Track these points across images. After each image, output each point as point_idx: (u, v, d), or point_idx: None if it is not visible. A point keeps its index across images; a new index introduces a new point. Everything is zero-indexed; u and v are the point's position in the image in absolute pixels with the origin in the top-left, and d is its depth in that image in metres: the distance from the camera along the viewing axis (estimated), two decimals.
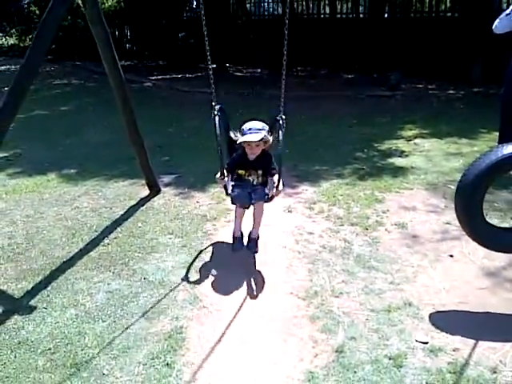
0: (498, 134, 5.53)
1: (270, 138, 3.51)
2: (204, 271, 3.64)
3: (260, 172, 3.60)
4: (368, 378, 2.58)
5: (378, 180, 5.46)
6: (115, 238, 4.19)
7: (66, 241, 4.15)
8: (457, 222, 4.27)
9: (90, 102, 10.38)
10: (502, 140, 5.21)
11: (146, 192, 5.16)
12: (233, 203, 3.67)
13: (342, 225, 4.34)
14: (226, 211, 4.66)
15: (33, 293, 3.39)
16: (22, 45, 20.71)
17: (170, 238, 4.15)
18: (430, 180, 5.43)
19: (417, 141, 7.09)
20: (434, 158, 6.27)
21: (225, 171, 3.48)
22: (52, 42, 3.90)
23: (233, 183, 3.66)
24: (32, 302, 3.28)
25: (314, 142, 6.99)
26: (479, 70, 11.07)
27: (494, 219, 4.17)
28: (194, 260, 3.80)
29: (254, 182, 3.62)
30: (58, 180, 5.70)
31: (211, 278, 3.56)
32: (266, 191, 3.57)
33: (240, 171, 3.63)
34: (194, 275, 3.60)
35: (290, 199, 4.96)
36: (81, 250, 3.99)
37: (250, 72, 15.01)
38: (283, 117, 3.49)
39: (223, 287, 3.45)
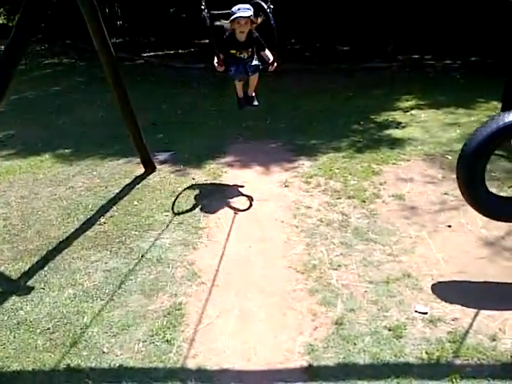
0: (495, 103, 5.49)
1: (259, 19, 3.97)
2: (202, 247, 3.63)
3: (250, 50, 4.08)
4: (368, 349, 2.59)
5: (374, 152, 5.42)
6: (111, 216, 4.16)
7: (61, 221, 4.12)
8: (455, 193, 4.30)
9: (82, 81, 10.23)
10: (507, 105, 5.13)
11: (141, 170, 5.11)
12: (232, 78, 4.20)
13: (340, 198, 4.32)
14: (221, 187, 4.64)
15: (30, 273, 3.38)
16: (10, 24, 20.32)
17: (166, 216, 4.12)
18: (428, 151, 5.39)
19: (413, 112, 7.02)
20: (431, 128, 6.21)
21: (220, 55, 3.89)
22: (40, 20, 3.79)
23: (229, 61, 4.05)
24: (29, 283, 3.27)
25: (310, 116, 6.90)
26: (475, 39, 10.93)
27: (491, 188, 4.13)
28: (191, 236, 3.78)
29: (246, 58, 4.08)
30: (51, 160, 5.64)
31: (209, 254, 3.55)
32: (258, 62, 4.08)
33: (232, 51, 4.05)
34: (191, 252, 3.58)
35: (286, 174, 4.92)
36: (77, 229, 3.97)
37: None
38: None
39: (222, 263, 3.44)
